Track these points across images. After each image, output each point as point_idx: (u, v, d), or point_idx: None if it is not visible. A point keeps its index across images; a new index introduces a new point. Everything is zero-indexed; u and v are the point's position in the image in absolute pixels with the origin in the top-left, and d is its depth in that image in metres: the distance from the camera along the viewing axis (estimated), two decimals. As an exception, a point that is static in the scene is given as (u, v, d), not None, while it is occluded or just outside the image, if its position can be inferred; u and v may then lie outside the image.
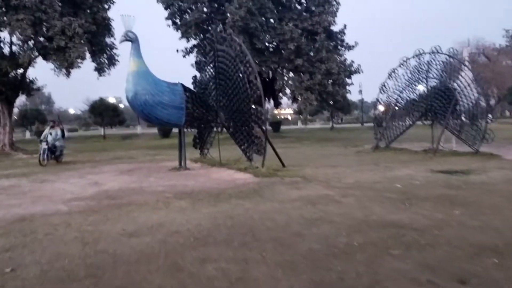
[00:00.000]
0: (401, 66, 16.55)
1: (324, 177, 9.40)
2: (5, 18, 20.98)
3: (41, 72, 27.37)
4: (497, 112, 63.53)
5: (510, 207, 6.02)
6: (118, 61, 26.75)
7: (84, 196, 7.93)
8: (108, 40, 26.13)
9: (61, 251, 4.46)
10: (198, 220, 5.61)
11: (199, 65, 14.12)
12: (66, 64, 22.17)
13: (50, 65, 24.01)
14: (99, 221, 5.80)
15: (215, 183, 9.10)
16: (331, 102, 39.13)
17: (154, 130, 39.49)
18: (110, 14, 25.18)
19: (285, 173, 10.05)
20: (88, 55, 24.36)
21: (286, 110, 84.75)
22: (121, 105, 59.00)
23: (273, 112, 71.10)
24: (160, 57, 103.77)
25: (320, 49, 28.01)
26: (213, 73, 12.81)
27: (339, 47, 31.38)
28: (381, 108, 18.77)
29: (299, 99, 29.71)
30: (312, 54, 28.94)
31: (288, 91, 31.08)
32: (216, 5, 30.52)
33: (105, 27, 25.04)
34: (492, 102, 50.06)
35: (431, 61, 15.68)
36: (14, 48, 23.76)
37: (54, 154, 14.90)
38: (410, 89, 16.67)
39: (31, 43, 22.62)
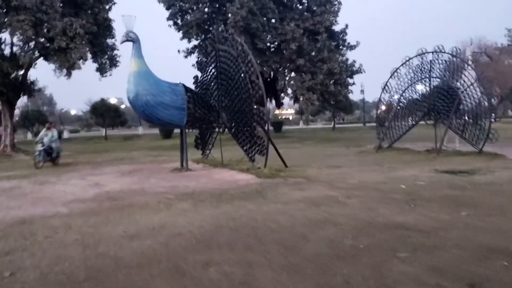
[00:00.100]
0: (404, 65, 16.47)
1: (327, 177, 9.32)
2: (5, 19, 20.94)
3: (43, 73, 27.40)
4: (500, 111, 63.30)
5: (517, 208, 5.92)
6: (119, 61, 26.74)
7: (85, 198, 7.86)
8: (109, 41, 26.12)
9: (61, 254, 4.39)
10: (200, 222, 5.53)
11: (200, 65, 14.05)
12: (67, 65, 22.14)
13: (51, 66, 24.01)
14: (100, 223, 5.73)
15: (217, 184, 9.02)
16: (333, 102, 39.02)
17: (156, 131, 39.47)
18: (111, 14, 25.18)
19: (288, 173, 9.96)
20: (89, 56, 24.33)
21: (288, 110, 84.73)
22: (123, 106, 59.03)
23: (274, 112, 71.02)
24: (161, 57, 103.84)
25: (322, 49, 27.93)
26: (215, 73, 12.74)
27: (340, 46, 31.31)
28: (383, 107, 18.68)
29: (301, 99, 29.64)
30: (313, 54, 28.88)
31: (289, 91, 31.02)
32: (217, 5, 30.46)
33: (106, 27, 25.00)
34: (494, 101, 49.83)
35: (434, 60, 15.59)
36: (15, 49, 23.75)
37: (50, 156, 14.50)
38: (413, 88, 16.59)
39: (32, 44, 22.57)
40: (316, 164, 12.16)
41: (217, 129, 13.41)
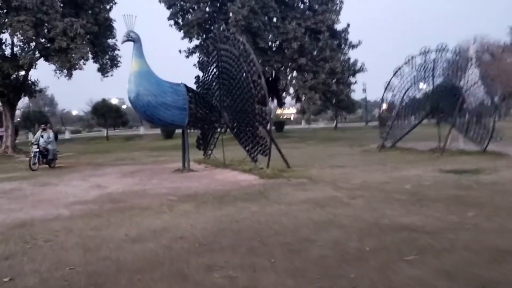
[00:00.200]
0: (407, 64, 16.37)
1: (330, 177, 9.23)
2: (6, 20, 20.88)
3: (44, 74, 27.33)
4: (503, 110, 63.01)
5: (525, 208, 5.82)
6: (120, 62, 26.62)
7: (87, 200, 7.80)
8: (110, 41, 26.01)
9: (61, 259, 4.31)
10: (203, 224, 5.45)
11: (202, 65, 13.95)
12: (68, 65, 22.07)
13: (52, 67, 23.92)
14: (101, 226, 5.65)
15: (219, 185, 8.95)
16: (335, 101, 38.90)
17: (157, 131, 39.38)
18: (112, 14, 25.07)
19: (291, 174, 9.87)
20: (90, 56, 24.25)
21: (289, 110, 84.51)
22: (124, 106, 59.00)
23: (276, 112, 70.91)
24: (162, 57, 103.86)
25: (324, 48, 27.82)
26: (216, 73, 12.66)
27: (342, 45, 31.16)
28: (384, 106, 18.58)
29: (303, 98, 29.54)
30: (315, 53, 28.77)
31: (291, 90, 30.91)
32: (218, 5, 30.37)
33: (107, 27, 24.88)
34: (497, 99, 49.63)
35: (437, 59, 15.48)
36: (15, 49, 23.67)
37: (46, 158, 14.14)
38: (416, 87, 16.47)
39: (32, 44, 22.51)
40: (319, 164, 12.07)
41: (219, 129, 13.34)
